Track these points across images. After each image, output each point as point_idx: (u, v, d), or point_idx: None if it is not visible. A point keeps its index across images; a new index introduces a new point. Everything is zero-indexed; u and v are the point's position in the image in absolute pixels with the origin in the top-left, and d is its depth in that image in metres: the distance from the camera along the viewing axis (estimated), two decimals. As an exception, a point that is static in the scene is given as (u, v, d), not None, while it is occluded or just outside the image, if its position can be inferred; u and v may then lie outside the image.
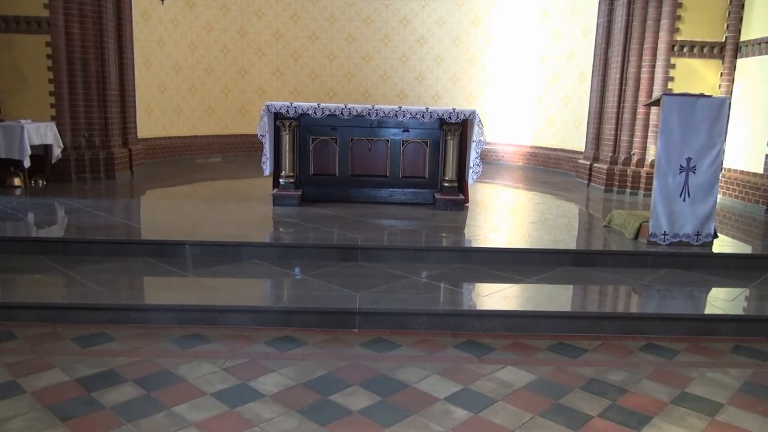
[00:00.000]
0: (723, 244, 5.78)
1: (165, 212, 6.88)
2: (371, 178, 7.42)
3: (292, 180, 7.12)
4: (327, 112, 6.96)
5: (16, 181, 7.74)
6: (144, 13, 10.28)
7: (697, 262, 5.37)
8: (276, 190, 7.17)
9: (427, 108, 7.01)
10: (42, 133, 7.78)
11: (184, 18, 11.39)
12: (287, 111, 6.90)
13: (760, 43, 7.83)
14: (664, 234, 5.57)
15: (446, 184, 7.17)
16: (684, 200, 5.53)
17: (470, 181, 7.26)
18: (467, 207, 7.29)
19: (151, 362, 3.33)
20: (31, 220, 6.08)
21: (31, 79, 8.08)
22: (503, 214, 7.25)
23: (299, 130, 7.19)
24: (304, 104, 6.96)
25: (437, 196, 7.19)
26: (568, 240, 6.00)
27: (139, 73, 10.00)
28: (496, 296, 4.44)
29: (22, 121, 7.57)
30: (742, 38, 8.20)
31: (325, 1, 12.91)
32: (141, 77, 10.14)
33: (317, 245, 5.31)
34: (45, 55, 8.04)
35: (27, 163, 7.55)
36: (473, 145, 7.06)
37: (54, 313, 3.90)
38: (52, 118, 8.15)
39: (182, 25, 11.39)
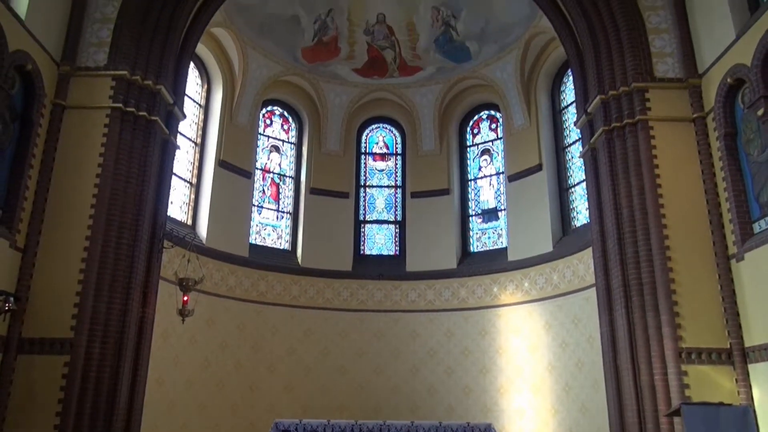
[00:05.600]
0: None
1: None
2: (383, 503, 6.79)
3: (296, 507, 6.52)
4: (337, 430, 6.74)
5: None
6: (164, 332, 10.75)
7: None
8: None
9: (440, 423, 6.82)
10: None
11: (201, 336, 11.85)
12: (296, 429, 6.69)
13: (765, 349, 7.87)
14: None
15: None
16: None
17: (492, 505, 6.61)
18: None
19: None
20: None
21: (40, 399, 8.05)
22: None
23: (307, 449, 6.86)
24: (314, 421, 6.80)
25: None
26: None
27: (150, 390, 9.95)
28: None
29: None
30: (747, 344, 8.26)
31: (337, 317, 13.57)
32: (151, 395, 10.05)
33: None
34: (61, 374, 8.16)
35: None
36: (492, 462, 6.63)
37: None
38: (53, 440, 7.87)
39: (199, 342, 11.79)
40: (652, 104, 9.49)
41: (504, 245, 13.73)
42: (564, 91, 13.68)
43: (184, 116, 11.03)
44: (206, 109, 13.71)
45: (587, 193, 10.62)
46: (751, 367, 8.17)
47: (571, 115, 13.14)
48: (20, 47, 8.35)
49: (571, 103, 13.06)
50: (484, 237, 14.38)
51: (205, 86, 13.78)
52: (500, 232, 14.09)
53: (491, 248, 14.10)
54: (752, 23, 8.22)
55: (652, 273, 8.92)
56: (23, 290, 8.34)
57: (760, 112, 7.88)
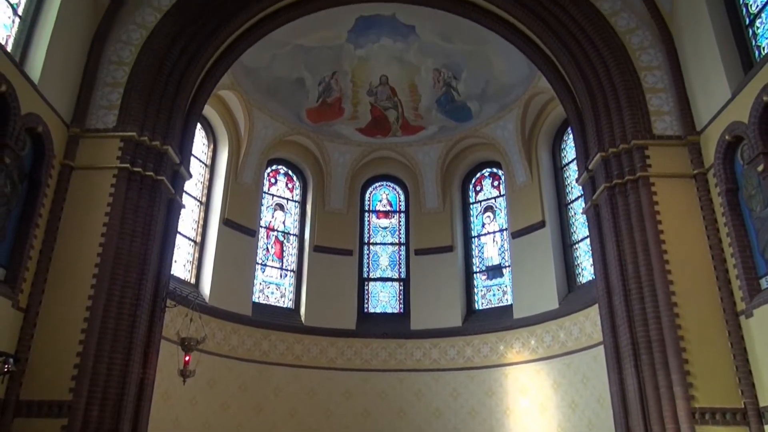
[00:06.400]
0: None
1: None
2: None
3: None
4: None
5: None
6: (165, 392, 10.53)
7: None
8: None
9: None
10: None
11: (203, 397, 11.59)
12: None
13: (781, 409, 7.66)
14: None
15: None
16: None
17: None
18: None
19: None
20: None
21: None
22: None
23: None
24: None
25: None
26: None
27: (148, 455, 9.69)
28: None
29: None
30: (761, 404, 8.02)
31: (341, 377, 13.28)
32: (149, 460, 9.78)
33: None
34: (58, 439, 7.96)
35: None
36: None
37: None
38: None
39: (200, 404, 11.52)
40: (652, 161, 9.57)
41: (509, 302, 13.57)
42: (565, 148, 13.86)
43: (190, 176, 11.16)
44: (212, 168, 13.90)
45: (591, 250, 10.57)
46: (767, 428, 7.93)
47: (572, 172, 13.26)
48: (32, 110, 8.54)
49: (573, 160, 13.20)
50: (489, 294, 14.24)
51: (211, 146, 14.02)
52: (505, 289, 13.97)
53: (496, 305, 13.94)
54: (747, 81, 8.38)
55: (660, 330, 8.75)
56: (24, 351, 8.21)
57: (760, 168, 7.94)
